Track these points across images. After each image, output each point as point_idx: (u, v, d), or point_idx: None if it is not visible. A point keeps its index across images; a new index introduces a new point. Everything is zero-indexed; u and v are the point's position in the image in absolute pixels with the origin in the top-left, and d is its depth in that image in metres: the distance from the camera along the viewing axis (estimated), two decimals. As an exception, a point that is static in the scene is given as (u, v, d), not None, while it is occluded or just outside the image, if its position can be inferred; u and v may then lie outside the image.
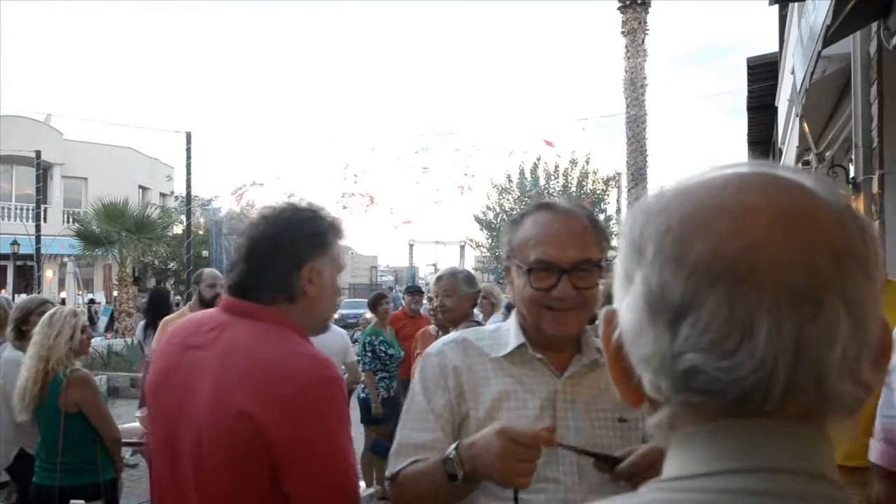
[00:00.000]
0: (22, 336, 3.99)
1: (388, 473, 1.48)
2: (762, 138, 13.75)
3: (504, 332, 1.52)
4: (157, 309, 6.67)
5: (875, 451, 2.35)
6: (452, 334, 1.60)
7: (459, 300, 3.90)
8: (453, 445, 1.30)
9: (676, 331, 0.52)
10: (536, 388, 1.43)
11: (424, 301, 6.55)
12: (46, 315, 3.54)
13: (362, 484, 7.35)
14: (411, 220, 31.66)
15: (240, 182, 28.23)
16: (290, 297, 1.51)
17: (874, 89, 4.42)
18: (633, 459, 1.29)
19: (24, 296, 15.12)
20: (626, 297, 0.57)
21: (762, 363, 0.50)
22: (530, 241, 1.42)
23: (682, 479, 0.54)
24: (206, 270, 5.39)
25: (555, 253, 1.39)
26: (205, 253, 23.47)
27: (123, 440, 3.79)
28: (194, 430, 1.42)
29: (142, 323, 7.21)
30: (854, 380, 0.52)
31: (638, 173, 21.32)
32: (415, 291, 7.08)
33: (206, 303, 5.08)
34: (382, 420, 6.08)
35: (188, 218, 16.45)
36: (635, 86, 20.84)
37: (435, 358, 1.50)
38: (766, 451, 0.53)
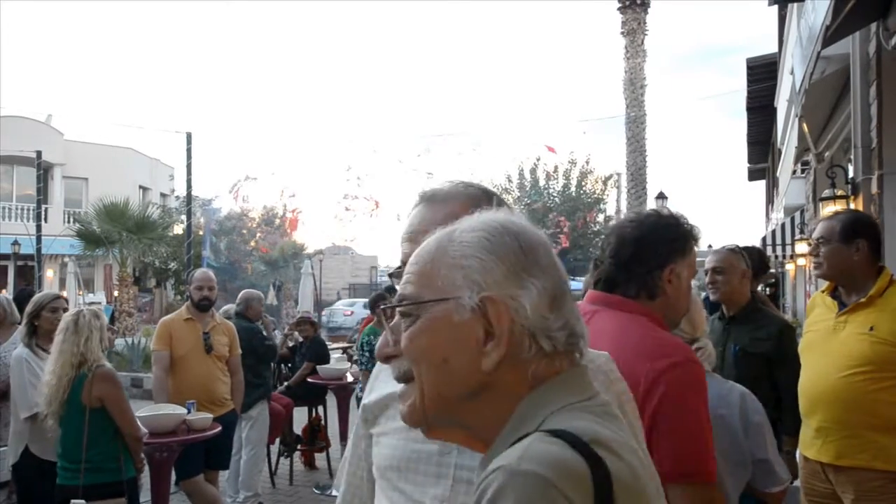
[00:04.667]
0: (34, 331, 4.00)
1: None
2: (761, 139, 13.79)
3: None
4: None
5: None
6: None
7: None
8: None
9: (562, 309, 0.86)
10: None
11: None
12: (69, 321, 3.52)
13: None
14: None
15: (236, 180, 28.14)
16: (651, 294, 1.66)
17: (873, 90, 4.43)
18: None
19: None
20: (522, 292, 0.83)
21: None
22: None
23: (584, 402, 0.83)
24: (198, 272, 5.37)
25: (406, 251, 1.12)
26: (205, 253, 23.49)
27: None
28: None
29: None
30: None
31: (637, 174, 21.36)
32: (378, 299, 6.77)
33: (196, 304, 5.08)
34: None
35: (189, 218, 16.36)
36: (634, 86, 20.87)
37: None
38: (589, 383, 0.88)
